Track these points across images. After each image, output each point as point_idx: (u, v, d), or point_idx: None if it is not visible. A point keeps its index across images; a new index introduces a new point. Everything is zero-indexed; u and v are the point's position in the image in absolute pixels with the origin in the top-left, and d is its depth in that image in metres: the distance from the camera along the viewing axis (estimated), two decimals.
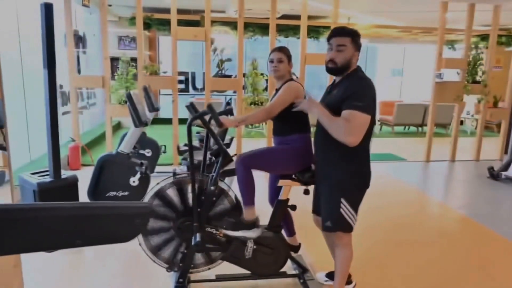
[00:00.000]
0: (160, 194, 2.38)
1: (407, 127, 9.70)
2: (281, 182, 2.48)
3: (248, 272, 2.57)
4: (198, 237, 2.32)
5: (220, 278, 2.62)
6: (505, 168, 5.34)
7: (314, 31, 8.11)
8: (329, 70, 2.13)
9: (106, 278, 2.71)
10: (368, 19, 8.07)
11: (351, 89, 1.98)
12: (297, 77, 3.00)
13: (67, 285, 2.63)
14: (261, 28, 7.95)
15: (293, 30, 8.15)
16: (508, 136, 5.78)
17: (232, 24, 7.70)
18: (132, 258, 2.95)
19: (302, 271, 2.65)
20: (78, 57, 6.96)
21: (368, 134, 2.04)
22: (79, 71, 6.95)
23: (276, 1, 5.44)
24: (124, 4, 7.19)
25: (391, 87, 12.47)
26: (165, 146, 5.15)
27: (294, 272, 2.70)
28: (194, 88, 10.39)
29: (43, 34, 2.74)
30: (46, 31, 2.73)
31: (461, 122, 10.48)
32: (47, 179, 3.01)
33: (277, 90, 2.56)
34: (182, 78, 10.07)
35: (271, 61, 2.50)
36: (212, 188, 2.38)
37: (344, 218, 2.12)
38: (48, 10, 2.71)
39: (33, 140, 5.16)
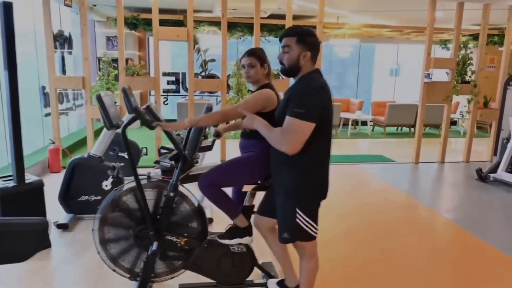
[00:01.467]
0: (116, 202, 2.29)
1: (400, 128, 9.60)
2: (245, 188, 2.39)
3: (213, 281, 2.48)
4: (155, 245, 2.23)
5: None
6: (494, 170, 5.24)
7: None
8: (282, 72, 2.04)
9: (68, 285, 2.62)
10: (359, 18, 7.96)
11: (295, 94, 1.89)
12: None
13: None
14: (250, 28, 7.85)
15: (283, 30, 8.06)
16: (497, 137, 5.67)
17: (219, 24, 7.60)
18: (98, 264, 2.85)
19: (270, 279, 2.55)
20: (63, 58, 6.88)
21: (323, 143, 1.95)
22: (64, 72, 6.87)
23: (259, 0, 5.33)
24: (109, 4, 7.10)
25: (388, 87, 12.36)
26: (146, 148, 5.05)
27: (262, 280, 2.60)
28: (185, 89, 10.30)
29: (3, 35, 2.64)
30: (5, 31, 2.63)
31: (454, 123, 10.40)
32: (11, 184, 2.92)
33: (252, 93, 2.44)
34: (173, 78, 9.97)
35: (243, 67, 2.36)
36: (171, 194, 2.28)
37: (302, 228, 2.01)
38: (7, 10, 2.62)
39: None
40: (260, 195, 2.39)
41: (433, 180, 5.53)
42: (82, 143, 6.58)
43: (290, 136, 1.83)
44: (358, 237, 3.52)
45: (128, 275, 2.40)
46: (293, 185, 1.98)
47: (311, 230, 2.04)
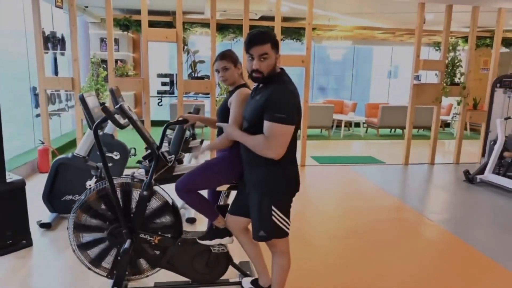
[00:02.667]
0: (86, 204, 2.31)
1: (393, 130, 9.62)
2: (220, 187, 2.41)
3: (188, 280, 2.50)
4: (127, 243, 2.26)
5: (158, 286, 2.54)
6: (481, 171, 5.26)
7: (296, 33, 8.06)
8: (255, 80, 2.02)
9: (38, 283, 2.64)
10: (350, 20, 8.00)
11: (273, 98, 1.89)
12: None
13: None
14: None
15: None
16: (485, 139, 5.69)
17: None
18: (78, 262, 2.87)
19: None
20: (55, 59, 6.90)
21: (293, 141, 1.97)
22: (56, 73, 6.90)
23: (248, 2, 5.37)
24: (102, 6, 7.13)
25: (386, 89, 12.37)
26: (135, 149, 5.07)
27: (238, 279, 2.62)
28: None
29: None
30: None
31: (449, 125, 10.42)
32: None
33: (230, 93, 2.44)
34: (167, 80, 9.98)
35: (217, 71, 2.36)
36: (145, 193, 2.31)
37: (278, 225, 2.04)
38: None
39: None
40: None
41: (420, 181, 5.54)
42: (74, 144, 6.60)
43: (275, 141, 1.86)
44: (339, 240, 3.53)
45: (104, 274, 2.43)
46: (269, 184, 2.01)
47: (285, 226, 2.09)
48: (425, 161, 6.43)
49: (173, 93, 10.30)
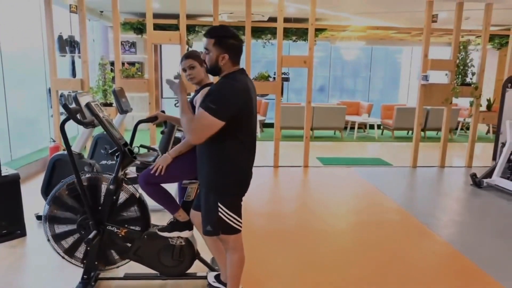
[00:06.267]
0: (57, 197, 2.46)
1: (410, 132, 9.37)
2: (184, 182, 2.49)
3: (157, 272, 2.60)
4: (92, 234, 2.38)
5: (128, 277, 2.65)
6: (488, 175, 5.05)
7: (305, 33, 8.03)
8: (207, 71, 2.14)
9: (24, 270, 2.82)
10: (362, 20, 7.88)
11: (212, 88, 1.96)
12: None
13: None
14: (254, 31, 7.97)
15: (287, 33, 8.12)
16: (496, 141, 5.45)
17: None
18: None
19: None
20: (73, 62, 7.26)
21: (239, 143, 2.01)
22: (74, 75, 7.25)
23: (250, 4, 5.43)
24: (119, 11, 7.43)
25: (413, 91, 12.02)
26: (138, 147, 5.25)
27: (204, 274, 2.68)
28: None
29: None
30: None
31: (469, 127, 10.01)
32: None
33: (196, 92, 2.54)
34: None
35: (184, 70, 2.46)
36: (111, 187, 2.42)
37: (225, 221, 2.08)
38: None
39: (16, 139, 5.45)
40: None
41: (426, 185, 5.38)
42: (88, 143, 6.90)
43: (196, 126, 1.91)
44: (318, 251, 3.52)
45: (78, 263, 2.57)
46: (211, 179, 2.07)
47: (234, 223, 2.11)
48: (436, 164, 6.23)
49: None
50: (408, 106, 9.16)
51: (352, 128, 9.24)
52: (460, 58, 5.91)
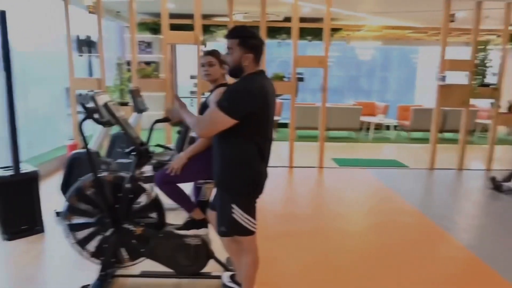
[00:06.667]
0: (80, 191, 2.50)
1: (427, 133, 9.22)
2: (199, 183, 2.50)
3: (172, 270, 2.61)
4: (108, 232, 2.41)
5: (144, 274, 2.67)
6: (509, 178, 4.93)
7: (321, 33, 7.97)
8: (228, 73, 2.12)
9: (43, 265, 2.87)
10: (378, 20, 7.79)
11: (229, 88, 1.99)
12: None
13: (11, 269, 2.82)
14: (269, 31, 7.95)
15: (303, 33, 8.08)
16: None
17: None
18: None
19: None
20: (90, 62, 7.37)
21: (252, 144, 2.00)
22: (91, 75, 7.36)
23: (265, 4, 5.43)
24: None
25: (431, 91, 11.86)
26: (155, 146, 5.31)
27: (219, 273, 2.69)
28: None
29: (0, 39, 2.97)
30: (2, 36, 2.95)
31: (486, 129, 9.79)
32: (8, 173, 3.24)
33: (211, 91, 2.56)
34: (195, 81, 10.27)
35: (203, 65, 2.48)
36: (128, 186, 2.45)
37: (239, 223, 2.08)
38: (3, 17, 2.94)
39: (35, 137, 5.57)
40: None
41: (444, 187, 5.29)
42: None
43: (206, 121, 1.95)
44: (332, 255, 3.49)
45: (88, 256, 2.59)
46: (225, 179, 2.07)
47: (248, 225, 2.11)
48: (454, 166, 6.11)
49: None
50: (425, 107, 9.00)
51: (368, 129, 9.14)
52: (479, 58, 5.78)
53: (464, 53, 9.94)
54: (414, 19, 7.85)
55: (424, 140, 8.83)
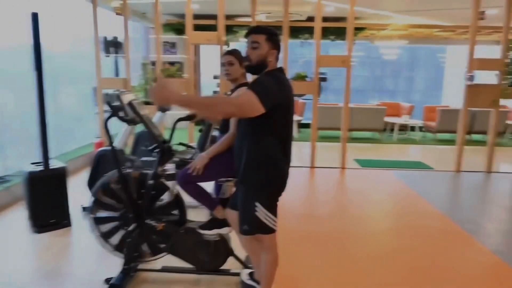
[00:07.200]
0: (105, 186, 2.58)
1: (454, 135, 8.96)
2: (220, 181, 2.54)
3: (192, 266, 2.66)
4: (131, 227, 2.47)
5: (165, 269, 2.73)
6: None
7: (344, 32, 7.90)
8: (247, 68, 2.13)
9: (69, 258, 2.99)
10: (404, 19, 7.64)
11: (258, 78, 1.99)
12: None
13: (38, 260, 2.94)
14: (292, 31, 7.94)
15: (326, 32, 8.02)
16: None
17: None
18: None
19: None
20: (117, 62, 7.57)
21: (277, 140, 2.01)
22: (117, 75, 7.56)
23: (288, 4, 5.43)
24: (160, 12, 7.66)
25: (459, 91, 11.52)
26: (178, 145, 5.40)
27: (238, 271, 2.71)
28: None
29: (32, 40, 3.10)
30: (34, 37, 3.09)
31: None
32: (38, 168, 3.39)
33: (232, 91, 2.60)
34: (218, 81, 10.36)
35: (223, 65, 2.52)
36: (151, 182, 2.51)
37: (261, 221, 2.09)
38: (35, 19, 3.07)
39: (64, 135, 5.78)
40: None
41: (470, 190, 5.13)
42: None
43: (234, 100, 1.92)
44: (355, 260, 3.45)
45: (111, 249, 2.67)
46: (253, 180, 2.08)
47: (270, 223, 2.12)
48: (482, 169, 5.92)
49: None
50: (452, 107, 8.76)
51: (392, 130, 8.98)
52: (510, 57, 5.58)
53: (494, 52, 9.64)
54: (442, 17, 7.65)
55: (451, 142, 8.58)
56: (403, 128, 9.20)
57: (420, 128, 8.93)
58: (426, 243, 3.39)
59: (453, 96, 11.29)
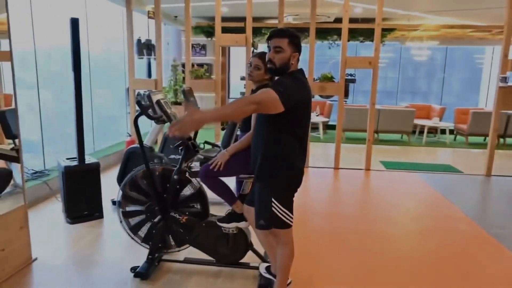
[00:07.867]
0: (133, 181, 2.75)
1: (486, 138, 8.65)
2: (242, 176, 2.64)
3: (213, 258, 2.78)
4: (156, 219, 2.63)
5: (187, 261, 2.87)
6: None
7: (373, 34, 7.82)
8: (270, 71, 2.21)
9: (99, 247, 3.19)
10: (436, 19, 7.48)
11: (280, 79, 2.07)
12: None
13: (72, 248, 3.16)
14: (319, 32, 7.95)
15: (355, 33, 7.99)
16: None
17: None
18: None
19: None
20: (149, 64, 7.88)
21: (295, 138, 2.09)
22: (150, 76, 7.87)
23: (315, 5, 5.48)
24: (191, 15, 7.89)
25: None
26: (204, 143, 5.57)
27: (257, 264, 2.80)
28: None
29: (71, 43, 3.34)
30: (73, 41, 3.32)
31: None
32: (74, 163, 3.63)
33: (253, 91, 2.69)
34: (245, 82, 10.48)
35: (250, 65, 2.60)
36: (175, 177, 2.66)
37: (278, 216, 2.17)
38: (74, 24, 3.30)
39: (99, 133, 6.09)
40: None
41: (500, 195, 4.97)
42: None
43: (255, 97, 1.89)
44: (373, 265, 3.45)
45: (139, 240, 2.83)
46: (270, 176, 2.16)
47: (286, 218, 2.20)
48: None
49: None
50: (485, 110, 8.47)
51: (421, 132, 8.79)
52: None
53: None
54: (476, 17, 7.43)
55: (483, 146, 8.32)
56: (433, 130, 8.99)
57: (451, 131, 8.70)
58: (451, 248, 3.35)
59: (490, 99, 10.88)
